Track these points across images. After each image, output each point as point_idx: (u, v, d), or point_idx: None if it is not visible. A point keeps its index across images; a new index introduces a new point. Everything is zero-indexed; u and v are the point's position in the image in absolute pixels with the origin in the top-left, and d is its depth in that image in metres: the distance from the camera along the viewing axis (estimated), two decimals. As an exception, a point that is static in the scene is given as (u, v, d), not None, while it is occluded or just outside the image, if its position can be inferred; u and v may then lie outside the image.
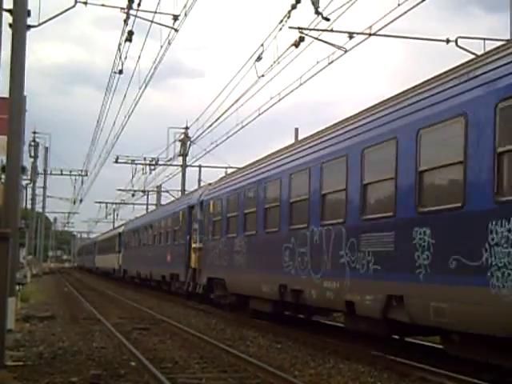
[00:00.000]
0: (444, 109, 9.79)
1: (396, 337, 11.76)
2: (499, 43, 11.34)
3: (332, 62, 17.58)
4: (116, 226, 67.93)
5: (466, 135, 9.16)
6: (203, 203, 23.58)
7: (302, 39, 16.95)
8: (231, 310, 20.51)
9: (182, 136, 43.66)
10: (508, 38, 16.00)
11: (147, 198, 60.91)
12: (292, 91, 20.73)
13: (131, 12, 17.15)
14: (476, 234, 8.78)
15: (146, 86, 23.35)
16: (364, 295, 11.59)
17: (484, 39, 16.60)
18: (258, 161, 18.88)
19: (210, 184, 25.51)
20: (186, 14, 16.87)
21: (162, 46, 18.99)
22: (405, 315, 10.39)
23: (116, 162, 45.56)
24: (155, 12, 17.30)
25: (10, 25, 14.29)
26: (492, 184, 8.59)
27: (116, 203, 73.54)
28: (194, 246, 24.68)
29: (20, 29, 14.26)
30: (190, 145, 43.28)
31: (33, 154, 48.66)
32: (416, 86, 11.06)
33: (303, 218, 14.30)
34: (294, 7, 16.02)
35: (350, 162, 12.41)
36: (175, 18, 17.12)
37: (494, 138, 8.68)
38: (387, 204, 11.10)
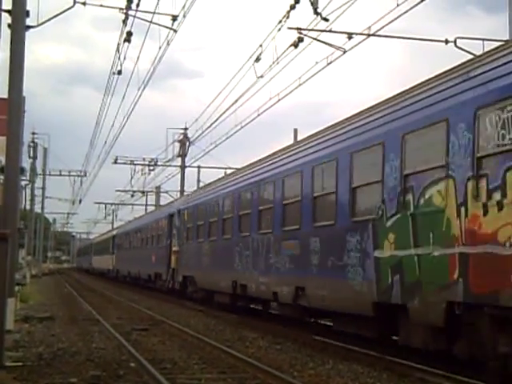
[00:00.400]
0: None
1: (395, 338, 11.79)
2: (497, 43, 11.36)
3: (331, 62, 17.60)
4: (114, 227, 68.74)
5: (337, 176, 13.11)
6: (180, 212, 27.44)
7: (300, 40, 16.95)
8: (201, 303, 23.93)
9: (181, 137, 43.66)
10: (507, 38, 16.00)
11: (146, 198, 61.03)
12: (291, 92, 20.80)
13: (130, 12, 17.13)
14: (341, 243, 12.58)
15: (144, 87, 23.34)
16: (283, 287, 15.59)
17: (483, 40, 16.60)
18: (219, 179, 24.47)
19: (187, 195, 30.32)
20: (184, 15, 16.87)
21: (160, 47, 18.99)
22: (306, 301, 14.35)
23: (115, 162, 45.56)
24: (154, 12, 17.28)
25: (9, 25, 14.28)
26: (349, 209, 12.46)
27: (115, 204, 73.65)
28: (173, 249, 28.19)
29: (19, 29, 14.25)
30: (189, 145, 43.31)
31: (32, 155, 48.60)
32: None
33: (247, 228, 18.40)
34: (292, 7, 16.01)
35: (277, 186, 16.40)
36: (174, 18, 17.11)
37: (350, 178, 12.54)
38: (295, 220, 15.05)
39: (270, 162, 17.43)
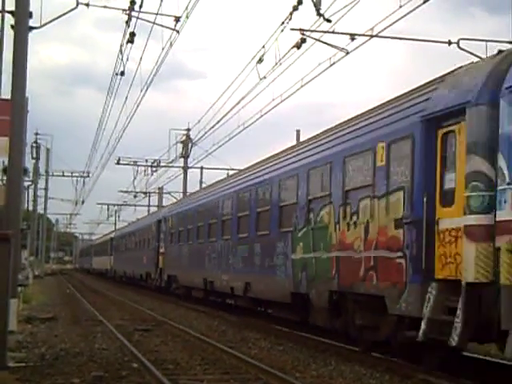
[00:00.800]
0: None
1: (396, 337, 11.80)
2: (501, 45, 11.38)
3: (334, 63, 17.58)
4: (116, 228, 69.24)
5: (271, 196, 17.17)
6: (166, 219, 31.69)
7: (303, 41, 16.93)
8: (185, 298, 27.53)
9: (184, 138, 43.65)
10: (510, 38, 15.97)
11: (149, 199, 61.09)
12: (294, 93, 20.81)
13: (133, 13, 17.16)
14: (273, 248, 16.44)
15: (147, 88, 23.35)
16: (237, 282, 19.41)
17: (486, 41, 16.58)
18: (197, 191, 30.95)
19: (172, 204, 35.30)
20: (187, 16, 16.89)
21: (163, 48, 19.01)
22: (252, 293, 18.25)
23: (118, 163, 45.56)
24: (157, 14, 17.29)
25: (12, 26, 14.28)
26: (278, 223, 16.40)
27: (118, 205, 73.62)
28: (160, 250, 32.22)
29: (22, 30, 14.23)
30: (191, 146, 43.30)
31: (34, 156, 48.55)
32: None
33: (214, 234, 22.46)
34: (295, 9, 16.01)
35: (234, 202, 20.41)
36: (177, 19, 17.12)
37: (279, 199, 16.53)
38: (245, 229, 19.04)
39: (230, 180, 22.60)
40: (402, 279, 10.59)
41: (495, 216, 8.88)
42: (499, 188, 8.80)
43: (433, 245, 9.95)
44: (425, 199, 10.03)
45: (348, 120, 13.89)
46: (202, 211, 24.16)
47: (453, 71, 10.64)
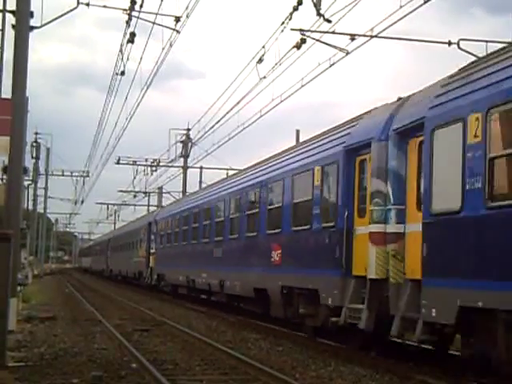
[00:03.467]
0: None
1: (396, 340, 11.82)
2: (501, 45, 11.37)
3: (334, 63, 17.57)
4: (114, 228, 69.96)
5: (241, 207, 20.13)
6: (156, 221, 34.24)
7: (303, 41, 16.92)
8: (174, 295, 29.97)
9: (184, 137, 43.65)
10: (511, 39, 15.95)
11: (148, 199, 61.09)
12: (293, 93, 20.82)
13: (133, 13, 17.16)
14: (242, 250, 19.39)
15: (147, 88, 23.33)
16: (214, 280, 21.88)
17: (486, 41, 16.57)
18: (180, 199, 35.40)
19: (162, 207, 40.00)
20: (187, 16, 16.89)
21: (163, 48, 19.00)
22: (227, 290, 20.53)
23: (117, 163, 45.55)
24: (157, 13, 17.30)
25: (13, 26, 14.28)
26: (246, 228, 19.21)
27: (117, 204, 73.61)
28: (151, 251, 34.48)
29: (23, 30, 14.24)
30: (191, 146, 43.29)
31: (34, 155, 48.48)
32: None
33: (196, 237, 25.18)
34: (295, 9, 16.00)
35: (212, 209, 23.11)
36: (177, 19, 17.12)
37: (245, 206, 19.48)
38: (220, 233, 21.83)
39: (204, 192, 26.28)
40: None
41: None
42: (387, 207, 11.39)
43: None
44: (346, 213, 12.67)
45: (296, 145, 18.02)
46: (187, 216, 27.17)
47: (369, 111, 13.25)
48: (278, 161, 17.53)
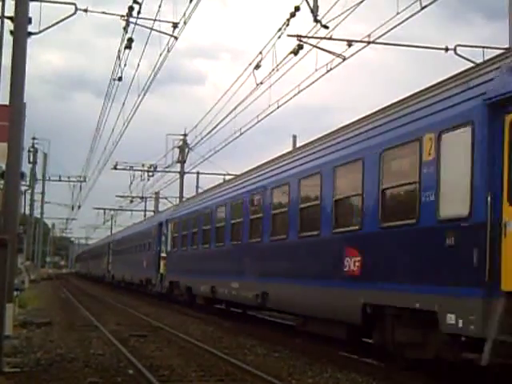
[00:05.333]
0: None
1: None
2: (498, 51, 11.39)
3: (331, 69, 17.62)
4: (113, 233, 69.45)
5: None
6: (168, 222, 30.67)
7: (300, 47, 17.00)
8: (190, 306, 26.32)
9: (181, 143, 43.66)
10: (507, 45, 16.00)
11: (145, 204, 61.08)
12: (291, 99, 20.86)
13: (131, 19, 17.18)
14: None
15: (145, 93, 23.36)
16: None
17: (483, 47, 16.65)
18: (192, 197, 33.17)
19: (174, 206, 35.07)
20: (185, 22, 16.91)
21: (161, 54, 19.03)
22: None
23: (114, 168, 45.48)
24: (155, 20, 17.33)
25: (11, 32, 14.29)
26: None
27: (114, 209, 73.63)
28: (162, 255, 31.44)
29: (21, 36, 14.25)
30: (188, 152, 43.30)
31: (32, 160, 48.47)
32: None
33: (219, 240, 22.57)
34: (292, 15, 16.08)
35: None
36: (175, 25, 17.16)
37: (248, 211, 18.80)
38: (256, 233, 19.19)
39: (206, 195, 25.29)
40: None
41: None
42: None
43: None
44: (488, 199, 8.89)
45: (301, 146, 16.86)
46: (197, 218, 24.46)
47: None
48: (350, 136, 13.14)
